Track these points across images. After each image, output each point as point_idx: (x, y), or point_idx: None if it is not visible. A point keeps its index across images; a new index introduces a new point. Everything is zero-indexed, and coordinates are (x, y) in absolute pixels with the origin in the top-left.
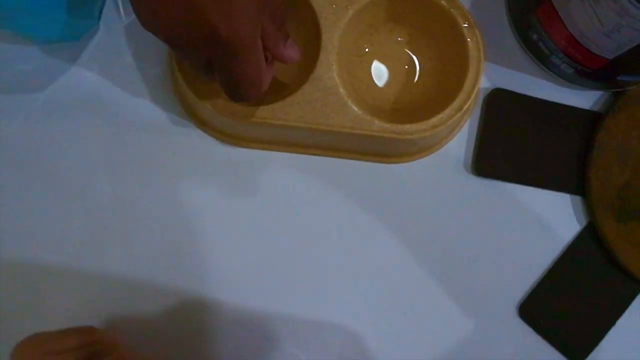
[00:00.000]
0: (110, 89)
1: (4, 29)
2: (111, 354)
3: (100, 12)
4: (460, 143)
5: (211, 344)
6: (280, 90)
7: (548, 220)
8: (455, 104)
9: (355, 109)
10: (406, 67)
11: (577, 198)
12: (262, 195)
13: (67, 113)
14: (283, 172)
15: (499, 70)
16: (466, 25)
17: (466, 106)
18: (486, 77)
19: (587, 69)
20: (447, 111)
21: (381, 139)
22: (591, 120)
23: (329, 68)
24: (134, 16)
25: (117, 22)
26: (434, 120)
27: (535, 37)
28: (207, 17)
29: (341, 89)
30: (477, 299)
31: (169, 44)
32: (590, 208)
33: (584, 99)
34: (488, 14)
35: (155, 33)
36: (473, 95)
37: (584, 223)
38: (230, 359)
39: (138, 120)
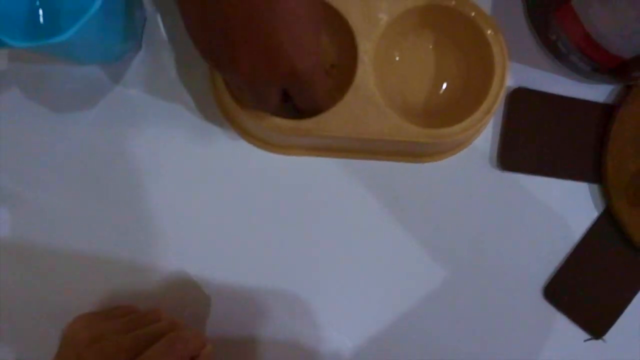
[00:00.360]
0: (155, 104)
1: (55, 56)
2: (168, 333)
3: (142, 31)
4: (485, 139)
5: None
6: None
7: (568, 207)
8: (484, 106)
9: (394, 116)
10: (434, 71)
11: (594, 186)
12: (301, 196)
13: (114, 129)
14: (321, 175)
15: (519, 68)
16: (490, 32)
17: (494, 109)
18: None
19: (604, 66)
20: (477, 114)
21: (417, 142)
22: (606, 112)
23: (367, 79)
24: (174, 32)
25: (158, 39)
26: (465, 123)
27: (554, 37)
28: (285, 55)
29: (379, 98)
30: (505, 283)
31: (248, 84)
32: (606, 194)
33: (598, 92)
34: (508, 15)
35: (233, 76)
36: (500, 98)
37: (601, 209)
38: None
39: (183, 133)
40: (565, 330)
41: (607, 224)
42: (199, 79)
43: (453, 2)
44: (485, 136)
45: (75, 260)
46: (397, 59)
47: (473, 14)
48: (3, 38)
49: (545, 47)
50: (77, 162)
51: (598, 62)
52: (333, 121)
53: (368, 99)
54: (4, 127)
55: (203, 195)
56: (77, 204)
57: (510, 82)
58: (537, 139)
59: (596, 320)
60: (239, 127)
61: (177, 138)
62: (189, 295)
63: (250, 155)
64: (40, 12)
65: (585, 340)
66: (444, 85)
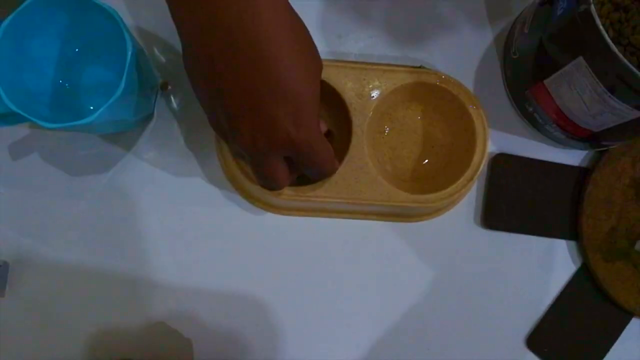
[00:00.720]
0: (166, 170)
1: (78, 132)
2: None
3: (155, 102)
4: (470, 201)
5: None
6: None
7: (548, 263)
8: (467, 174)
9: (385, 183)
10: (422, 140)
11: (572, 243)
12: (299, 253)
13: (127, 193)
14: (318, 233)
15: (501, 136)
16: (472, 107)
17: (476, 176)
18: (490, 143)
19: (576, 136)
20: (460, 181)
21: (406, 207)
22: (581, 175)
23: (361, 150)
24: (183, 103)
25: (169, 110)
26: (449, 189)
27: (530, 109)
28: (281, 127)
29: (372, 167)
30: (489, 333)
31: (250, 154)
32: (582, 251)
33: (574, 157)
34: (490, 88)
35: (236, 146)
36: (481, 167)
37: (579, 264)
38: None
39: (191, 197)
40: None
41: (584, 279)
42: (207, 147)
43: (437, 81)
44: (470, 198)
45: (89, 312)
46: (388, 130)
47: (456, 91)
48: (35, 121)
49: (523, 117)
50: (92, 224)
51: (571, 132)
52: (329, 188)
53: (361, 168)
54: (24, 190)
55: (210, 253)
56: (91, 261)
57: (493, 147)
58: (517, 200)
59: None
60: (244, 192)
61: (186, 201)
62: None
63: (254, 217)
64: (65, 88)
65: None
66: (431, 154)
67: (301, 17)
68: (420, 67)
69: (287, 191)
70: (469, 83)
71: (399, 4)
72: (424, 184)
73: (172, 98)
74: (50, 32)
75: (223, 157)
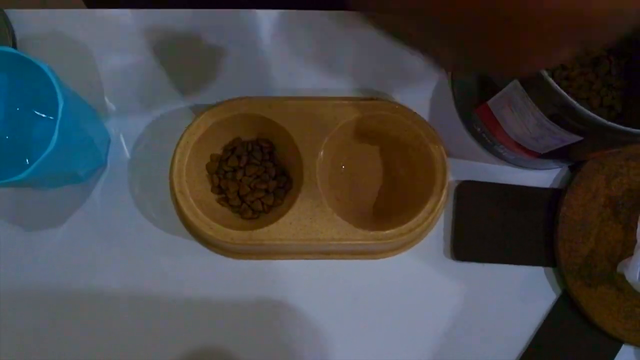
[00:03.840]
0: (122, 219)
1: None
2: None
3: (107, 152)
4: (438, 232)
5: None
6: (273, 210)
7: (526, 292)
8: (428, 206)
9: (341, 221)
10: (382, 174)
11: (549, 270)
12: (260, 298)
13: (83, 244)
14: (279, 277)
15: (463, 163)
16: (426, 134)
17: (437, 207)
18: (454, 171)
19: (525, 158)
20: (421, 214)
21: (366, 244)
22: (553, 197)
23: (314, 188)
24: (137, 151)
25: (122, 158)
26: (410, 224)
27: (478, 129)
28: None
29: (327, 206)
30: None
31: None
32: (562, 277)
33: (543, 178)
34: (446, 114)
35: None
36: (442, 197)
37: (559, 292)
38: None
39: (148, 244)
40: None
41: (566, 307)
42: (162, 194)
43: (389, 110)
44: (439, 229)
45: None
46: (344, 166)
47: (411, 120)
48: None
49: (473, 138)
50: (49, 275)
51: (518, 154)
52: (284, 230)
53: (316, 207)
54: None
55: (169, 299)
56: (49, 314)
57: (458, 175)
58: (488, 229)
59: None
60: (200, 238)
61: (143, 250)
62: None
63: (212, 263)
64: (11, 144)
65: None
66: (392, 188)
67: (248, 56)
68: (371, 98)
69: (240, 236)
70: (424, 109)
71: (350, 38)
72: (388, 219)
73: (124, 148)
74: None
75: (179, 205)
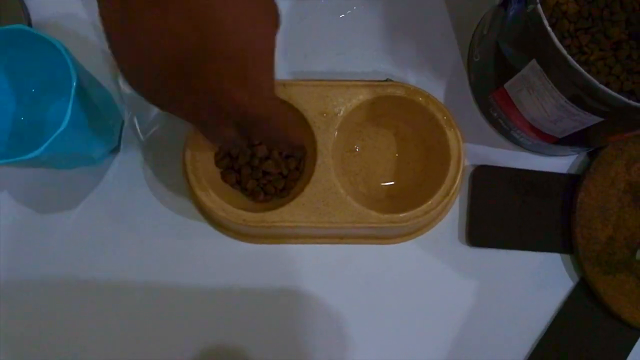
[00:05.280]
0: (135, 201)
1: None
2: None
3: (121, 134)
4: (453, 218)
5: None
6: (285, 193)
7: (542, 280)
8: (442, 189)
9: (354, 204)
10: (396, 156)
11: (567, 256)
12: (273, 283)
13: (97, 227)
14: (291, 261)
15: (479, 148)
16: (443, 117)
17: (452, 190)
18: (469, 156)
19: (542, 143)
20: (436, 197)
21: (380, 227)
22: (570, 183)
23: (327, 170)
24: (150, 133)
25: (135, 141)
26: (425, 206)
27: (495, 114)
28: (234, 100)
29: (340, 188)
30: (486, 358)
31: (194, 123)
32: (579, 265)
33: (561, 163)
34: (460, 97)
35: (176, 114)
36: (457, 181)
37: (576, 279)
38: None
39: (161, 227)
40: None
41: (583, 295)
42: (175, 176)
43: (405, 93)
44: (454, 214)
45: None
46: (358, 149)
47: (425, 102)
48: None
49: (490, 124)
50: (63, 258)
51: (535, 138)
52: (297, 212)
53: (329, 189)
54: None
55: (181, 282)
56: (63, 298)
57: (473, 160)
58: (504, 214)
59: None
60: (212, 221)
61: (156, 233)
62: None
63: (224, 246)
64: (26, 125)
65: None
66: (407, 170)
67: None
68: (386, 80)
69: (252, 218)
70: (439, 93)
71: (364, 19)
72: (401, 202)
73: (138, 131)
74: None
75: (191, 187)
